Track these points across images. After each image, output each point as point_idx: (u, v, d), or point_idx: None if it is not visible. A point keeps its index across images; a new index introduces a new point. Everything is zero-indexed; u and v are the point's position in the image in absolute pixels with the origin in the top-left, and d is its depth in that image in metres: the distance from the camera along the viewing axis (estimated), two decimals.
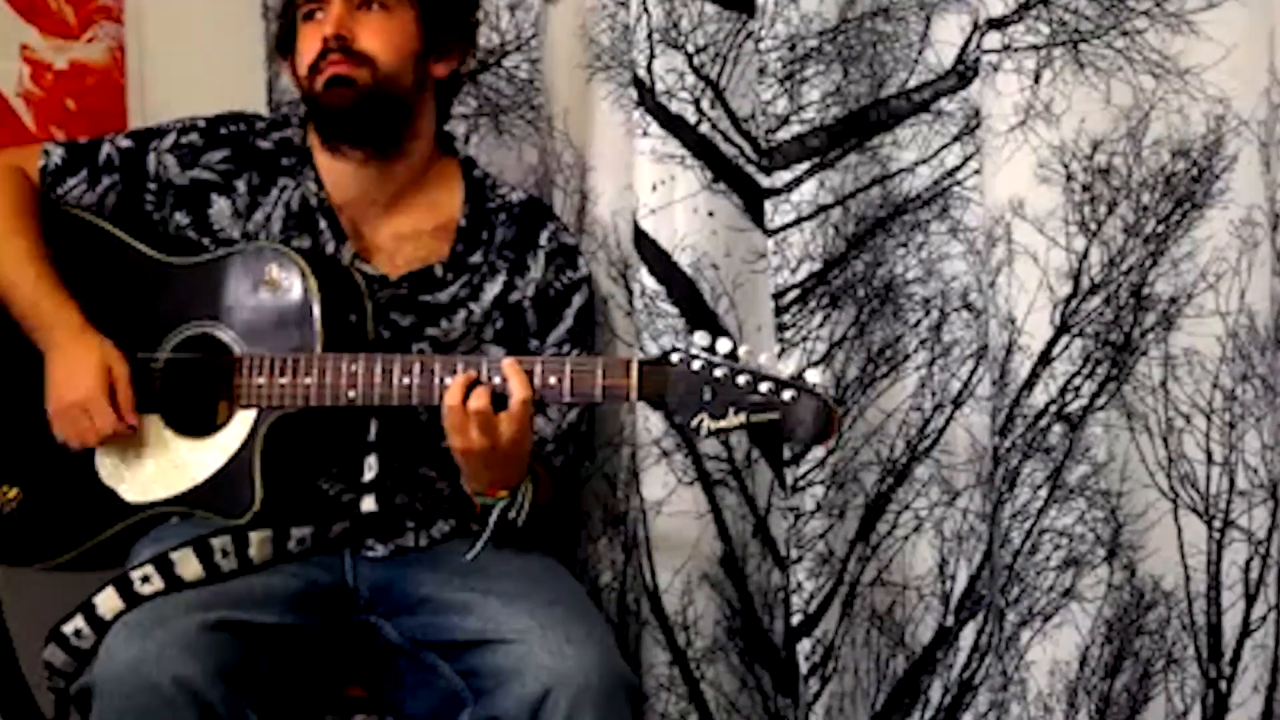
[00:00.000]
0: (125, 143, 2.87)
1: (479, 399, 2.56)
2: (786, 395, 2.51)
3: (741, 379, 2.51)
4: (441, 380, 2.61)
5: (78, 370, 2.72)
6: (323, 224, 2.83)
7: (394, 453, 2.79)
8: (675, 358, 2.53)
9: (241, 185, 2.84)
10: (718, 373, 2.52)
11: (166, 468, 2.75)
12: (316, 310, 2.68)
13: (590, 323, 2.93)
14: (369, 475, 2.77)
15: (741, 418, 2.52)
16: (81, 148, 2.88)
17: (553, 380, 2.57)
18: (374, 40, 2.78)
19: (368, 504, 2.78)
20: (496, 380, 2.58)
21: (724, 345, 2.53)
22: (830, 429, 2.53)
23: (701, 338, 2.54)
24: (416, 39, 2.82)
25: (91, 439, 2.73)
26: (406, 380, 2.63)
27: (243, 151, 2.86)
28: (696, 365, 2.53)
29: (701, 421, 2.52)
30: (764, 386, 2.51)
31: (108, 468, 2.77)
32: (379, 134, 2.81)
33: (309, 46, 2.80)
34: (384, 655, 2.77)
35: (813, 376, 2.52)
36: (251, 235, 2.82)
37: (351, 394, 2.65)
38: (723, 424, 2.52)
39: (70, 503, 2.79)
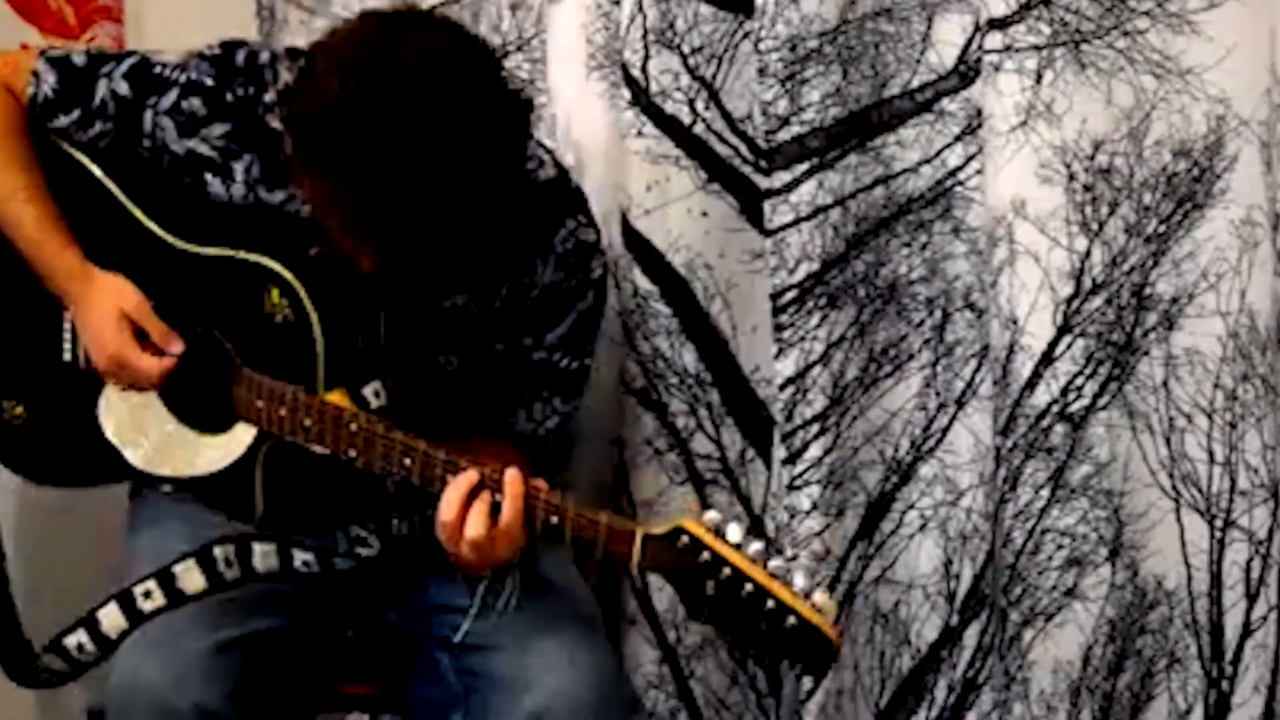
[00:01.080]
0: (123, 88, 2.65)
1: (477, 525, 2.42)
2: (789, 621, 2.33)
3: (747, 588, 2.33)
4: (442, 477, 2.46)
5: (97, 328, 2.61)
6: None
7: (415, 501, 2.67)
8: (682, 542, 2.36)
9: (239, 170, 2.64)
10: (724, 572, 2.33)
11: (170, 447, 2.67)
12: (318, 342, 2.54)
13: (591, 329, 2.76)
14: (398, 530, 2.72)
15: (739, 626, 2.37)
16: (76, 80, 2.67)
17: (554, 520, 2.43)
18: None
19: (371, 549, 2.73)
20: (495, 496, 2.43)
21: (734, 533, 2.35)
22: (828, 663, 2.39)
23: (712, 516, 2.37)
24: None
25: (147, 384, 2.62)
26: (408, 461, 2.48)
27: (248, 126, 2.63)
28: (705, 557, 2.35)
29: (702, 612, 2.36)
30: (769, 604, 2.33)
31: (111, 427, 2.69)
32: None
33: None
34: (392, 647, 2.74)
35: (820, 599, 2.34)
36: (252, 225, 2.64)
37: (352, 454, 2.51)
38: (719, 622, 2.38)
39: (75, 438, 2.71)
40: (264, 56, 2.65)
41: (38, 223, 2.63)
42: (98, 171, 2.68)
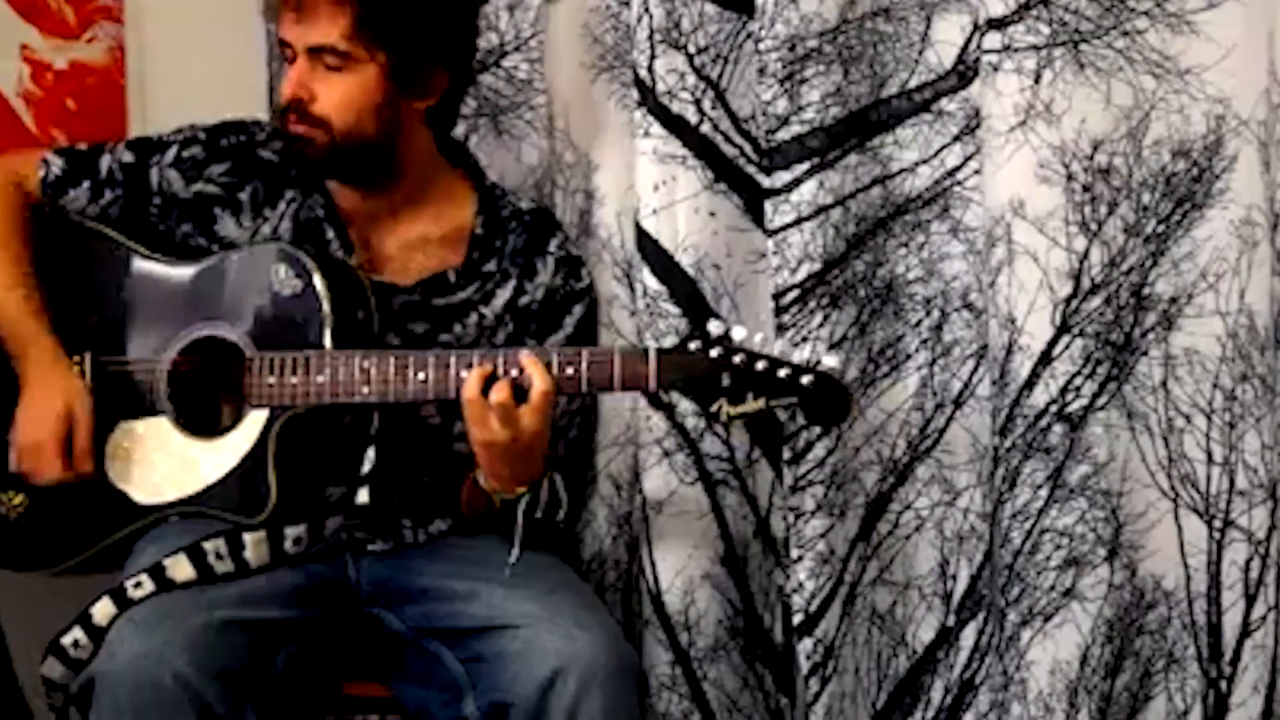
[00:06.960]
0: (127, 156, 2.86)
1: (500, 392, 2.57)
2: (804, 380, 2.55)
3: (760, 365, 2.55)
4: (458, 374, 2.62)
5: (39, 412, 2.72)
6: (330, 234, 2.83)
7: (393, 447, 2.79)
8: (693, 345, 2.57)
9: (245, 197, 2.84)
10: (736, 359, 2.56)
11: (177, 468, 2.74)
12: (325, 306, 2.68)
13: (590, 335, 2.95)
14: (366, 468, 2.78)
15: (760, 402, 2.56)
16: (81, 157, 2.87)
17: (570, 371, 2.59)
18: (331, 103, 2.73)
19: (362, 496, 2.79)
20: (514, 373, 2.59)
21: (739, 333, 2.56)
22: (847, 411, 2.58)
23: (716, 326, 2.57)
24: (380, 92, 2.75)
25: (40, 482, 2.74)
26: (422, 376, 2.64)
27: (245, 163, 2.85)
28: (715, 352, 2.56)
29: (720, 407, 2.56)
30: (782, 372, 2.55)
31: (117, 469, 2.76)
32: (357, 174, 2.82)
33: (283, 89, 2.77)
34: (388, 646, 2.79)
35: (829, 361, 2.56)
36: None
37: (365, 390, 2.65)
38: (742, 409, 2.56)
39: (78, 507, 2.78)
40: (250, 119, 2.91)
41: (19, 306, 2.77)
42: (108, 230, 2.84)
